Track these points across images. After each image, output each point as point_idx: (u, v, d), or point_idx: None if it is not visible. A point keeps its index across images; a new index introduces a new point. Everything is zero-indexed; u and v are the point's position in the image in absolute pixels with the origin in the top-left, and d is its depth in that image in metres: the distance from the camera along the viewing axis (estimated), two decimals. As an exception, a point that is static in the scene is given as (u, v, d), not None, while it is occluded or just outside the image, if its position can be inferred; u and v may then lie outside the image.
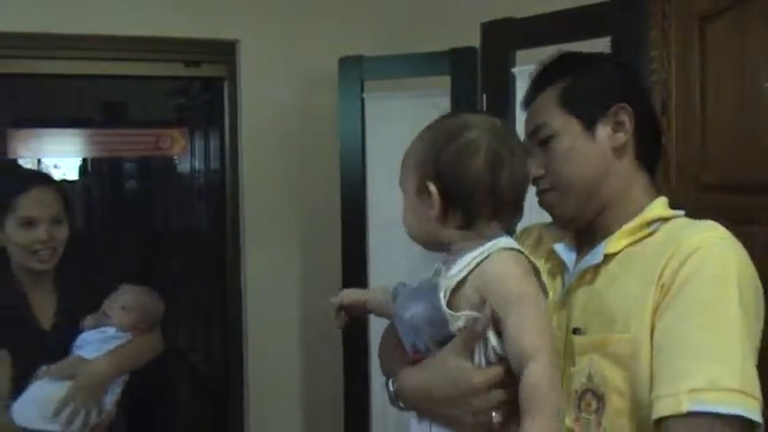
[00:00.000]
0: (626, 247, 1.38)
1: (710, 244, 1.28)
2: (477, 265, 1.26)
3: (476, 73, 2.77)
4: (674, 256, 1.27)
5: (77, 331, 2.34)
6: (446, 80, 2.84)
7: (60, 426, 2.20)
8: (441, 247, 1.35)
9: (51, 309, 2.39)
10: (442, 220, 1.31)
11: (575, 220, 1.46)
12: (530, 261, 1.30)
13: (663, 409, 1.19)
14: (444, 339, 1.28)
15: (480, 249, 1.27)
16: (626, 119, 1.41)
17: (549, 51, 2.45)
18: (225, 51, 3.47)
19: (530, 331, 1.21)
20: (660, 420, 1.20)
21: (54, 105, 3.96)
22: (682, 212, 1.41)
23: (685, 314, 1.23)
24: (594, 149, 1.42)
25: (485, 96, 2.71)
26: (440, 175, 1.30)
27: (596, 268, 1.39)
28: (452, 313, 1.25)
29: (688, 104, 2.22)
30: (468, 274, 1.26)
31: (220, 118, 3.63)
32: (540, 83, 1.50)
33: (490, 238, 1.29)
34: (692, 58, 2.20)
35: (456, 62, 2.82)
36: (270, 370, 3.46)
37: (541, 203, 1.49)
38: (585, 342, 1.34)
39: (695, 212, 1.42)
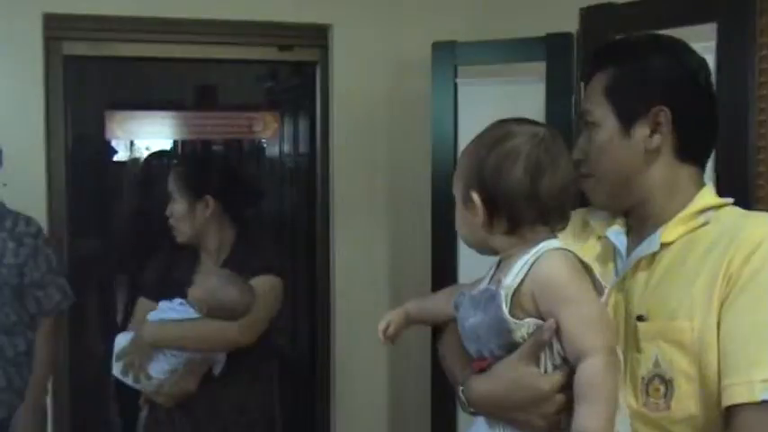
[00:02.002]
0: (682, 236, 1.41)
1: None
2: (529, 269, 1.30)
3: (572, 60, 2.71)
4: (738, 249, 1.31)
5: None
6: (541, 67, 2.79)
7: (118, 371, 2.49)
8: (493, 253, 1.40)
9: None
10: (489, 227, 1.35)
11: (609, 208, 1.52)
12: (580, 260, 1.34)
13: (736, 396, 1.26)
14: (510, 346, 1.32)
15: (529, 254, 1.31)
16: (664, 121, 1.43)
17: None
18: (318, 36, 3.49)
19: (584, 329, 1.26)
20: (732, 407, 1.26)
21: (149, 88, 4.05)
22: (730, 200, 1.46)
23: (754, 307, 1.28)
24: (628, 147, 1.45)
25: (583, 85, 2.64)
26: (482, 183, 1.34)
27: (653, 256, 1.42)
28: (516, 322, 1.29)
29: (799, 94, 2.15)
30: (523, 279, 1.30)
31: (311, 102, 3.66)
32: (596, 63, 1.53)
33: (538, 243, 1.32)
34: (804, 45, 2.13)
35: (552, 48, 2.77)
36: (357, 356, 3.47)
37: (580, 187, 1.53)
38: (651, 329, 1.36)
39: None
